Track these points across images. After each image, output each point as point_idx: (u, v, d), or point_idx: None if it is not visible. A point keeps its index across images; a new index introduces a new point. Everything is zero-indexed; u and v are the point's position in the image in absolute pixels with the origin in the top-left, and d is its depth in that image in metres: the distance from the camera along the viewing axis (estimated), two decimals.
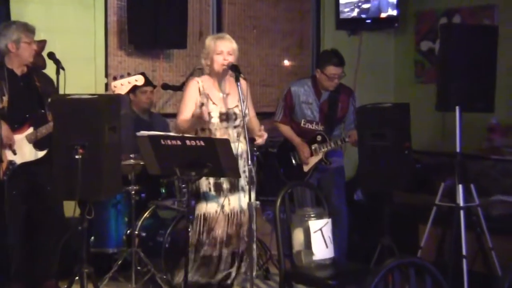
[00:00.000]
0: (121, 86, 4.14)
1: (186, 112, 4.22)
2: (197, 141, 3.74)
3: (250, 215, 4.03)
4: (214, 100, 4.25)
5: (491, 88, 4.51)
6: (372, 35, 6.87)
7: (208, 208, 4.20)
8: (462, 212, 4.37)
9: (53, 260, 4.54)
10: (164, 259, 4.60)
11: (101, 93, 4.93)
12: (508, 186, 5.47)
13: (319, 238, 3.84)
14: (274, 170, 5.27)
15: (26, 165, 4.37)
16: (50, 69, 4.53)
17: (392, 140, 4.22)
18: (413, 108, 4.39)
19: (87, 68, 5.51)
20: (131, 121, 5.12)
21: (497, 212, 5.04)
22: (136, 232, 4.71)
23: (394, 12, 6.57)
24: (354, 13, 6.60)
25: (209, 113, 4.13)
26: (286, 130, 5.25)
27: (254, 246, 4.20)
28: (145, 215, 4.88)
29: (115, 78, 4.19)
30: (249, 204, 3.97)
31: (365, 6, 6.56)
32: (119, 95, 4.09)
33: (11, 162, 4.32)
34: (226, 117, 4.24)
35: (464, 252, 4.33)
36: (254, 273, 4.14)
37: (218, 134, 4.20)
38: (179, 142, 3.74)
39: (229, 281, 4.25)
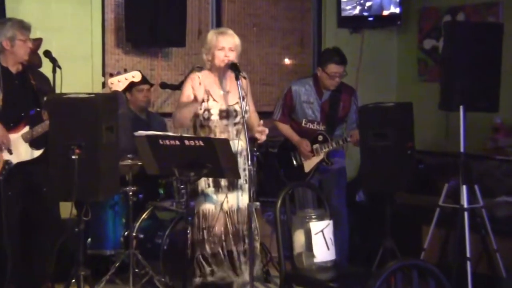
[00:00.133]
0: (118, 83, 4.13)
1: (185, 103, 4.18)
2: (196, 141, 3.72)
3: (249, 215, 3.97)
4: (215, 97, 4.21)
5: (495, 87, 4.51)
6: (375, 33, 6.82)
7: (207, 205, 4.17)
8: (466, 214, 4.36)
9: (49, 262, 4.48)
10: (162, 261, 4.57)
11: (98, 92, 4.89)
12: None
13: (320, 240, 3.80)
14: (274, 170, 5.24)
15: (22, 164, 4.34)
16: (46, 68, 4.50)
17: (394, 140, 4.22)
18: (416, 107, 4.38)
19: (84, 67, 5.49)
20: (129, 120, 5.10)
21: (502, 214, 5.02)
22: (134, 234, 4.67)
23: (396, 10, 6.54)
24: (356, 11, 6.57)
25: (209, 110, 4.11)
26: (285, 128, 5.20)
27: (257, 245, 4.19)
28: (143, 216, 4.84)
29: (111, 75, 4.20)
30: (249, 205, 3.93)
31: (367, 3, 6.53)
32: (116, 94, 4.09)
33: (7, 162, 4.28)
34: (226, 114, 4.19)
35: (468, 254, 4.34)
36: (254, 274, 4.08)
37: (218, 131, 4.16)
38: (177, 142, 3.72)
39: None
